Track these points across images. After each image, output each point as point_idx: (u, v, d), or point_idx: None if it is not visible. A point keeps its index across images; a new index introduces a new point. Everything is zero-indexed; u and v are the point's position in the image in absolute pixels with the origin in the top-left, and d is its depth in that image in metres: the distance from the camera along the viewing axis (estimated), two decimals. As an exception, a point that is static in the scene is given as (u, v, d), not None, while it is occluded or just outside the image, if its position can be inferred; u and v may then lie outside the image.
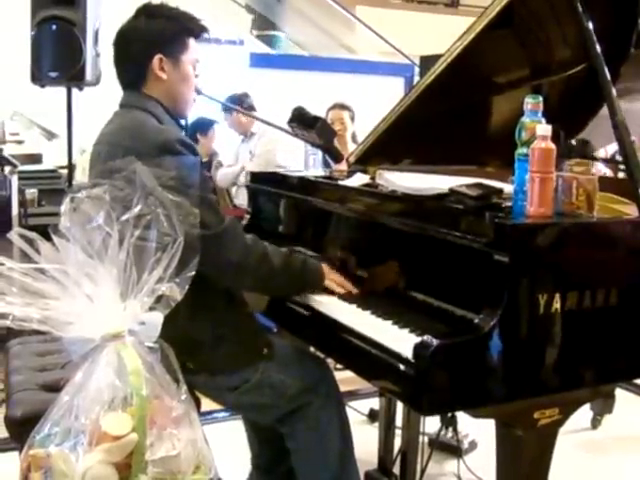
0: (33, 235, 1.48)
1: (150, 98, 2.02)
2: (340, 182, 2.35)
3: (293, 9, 8.67)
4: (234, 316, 2.04)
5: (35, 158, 6.49)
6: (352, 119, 4.87)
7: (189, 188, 1.80)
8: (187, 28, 2.06)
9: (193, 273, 1.54)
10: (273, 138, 4.82)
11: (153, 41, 2.00)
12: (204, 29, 2.10)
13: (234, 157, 5.27)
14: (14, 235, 1.49)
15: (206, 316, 1.97)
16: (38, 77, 3.70)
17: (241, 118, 5.03)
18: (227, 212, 3.87)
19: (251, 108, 4.92)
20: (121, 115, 2.05)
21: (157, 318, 1.52)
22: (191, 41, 2.07)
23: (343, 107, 4.87)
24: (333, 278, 2.05)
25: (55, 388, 1.76)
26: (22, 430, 1.70)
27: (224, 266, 1.91)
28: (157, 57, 2.00)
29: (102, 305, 1.49)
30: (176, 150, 1.89)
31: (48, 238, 1.50)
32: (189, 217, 1.56)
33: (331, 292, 2.04)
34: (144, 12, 2.04)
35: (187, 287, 1.53)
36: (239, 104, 4.80)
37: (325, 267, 2.08)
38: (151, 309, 1.52)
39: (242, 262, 1.92)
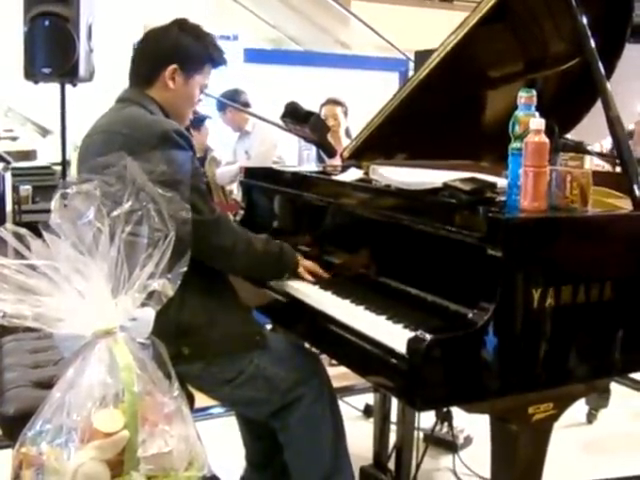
0: (23, 231, 1.47)
1: (150, 99, 2.09)
2: (334, 177, 2.35)
3: (288, 4, 8.64)
4: (225, 301, 2.08)
5: (29, 155, 6.48)
6: (345, 114, 4.87)
7: (183, 178, 1.88)
8: (210, 54, 2.15)
9: (185, 269, 1.54)
10: (268, 137, 4.81)
11: (175, 51, 2.09)
12: (224, 62, 2.20)
13: (232, 154, 5.25)
14: (5, 231, 1.48)
15: (197, 300, 1.99)
16: (31, 73, 3.69)
17: (234, 115, 5.01)
18: (222, 208, 3.88)
19: (246, 104, 4.90)
20: (117, 109, 2.10)
21: (149, 314, 1.52)
22: (208, 67, 2.16)
23: (336, 103, 4.87)
24: (306, 265, 2.16)
25: (48, 385, 1.75)
26: (15, 427, 1.68)
27: (217, 250, 2.02)
28: (172, 66, 2.08)
29: (93, 301, 1.48)
30: (175, 140, 1.95)
31: (41, 235, 1.49)
32: (180, 212, 1.57)
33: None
34: (179, 25, 2.14)
35: (179, 282, 1.53)
36: (233, 101, 4.78)
37: (298, 254, 2.19)
38: (143, 305, 1.52)
39: (233, 247, 2.04)
